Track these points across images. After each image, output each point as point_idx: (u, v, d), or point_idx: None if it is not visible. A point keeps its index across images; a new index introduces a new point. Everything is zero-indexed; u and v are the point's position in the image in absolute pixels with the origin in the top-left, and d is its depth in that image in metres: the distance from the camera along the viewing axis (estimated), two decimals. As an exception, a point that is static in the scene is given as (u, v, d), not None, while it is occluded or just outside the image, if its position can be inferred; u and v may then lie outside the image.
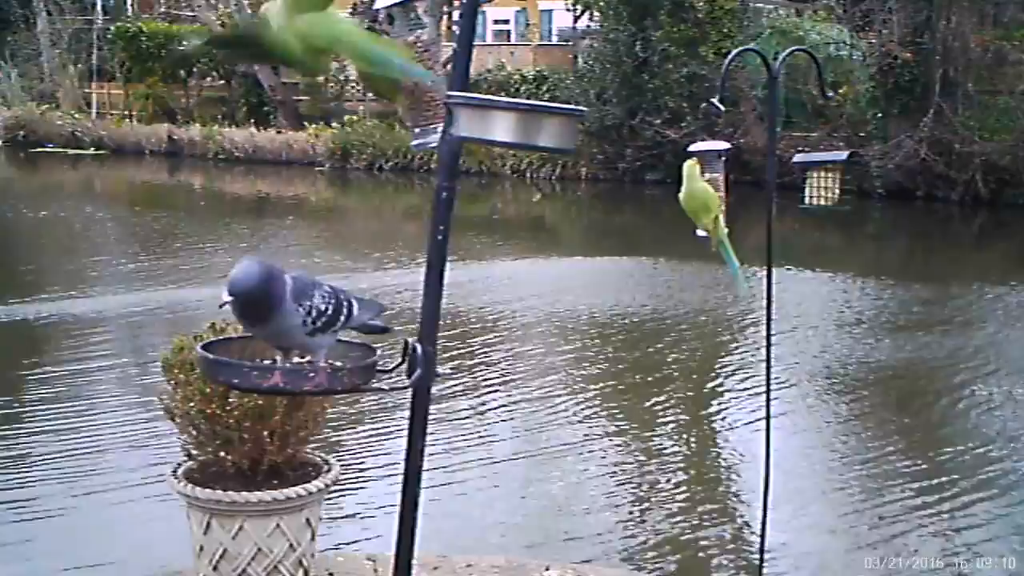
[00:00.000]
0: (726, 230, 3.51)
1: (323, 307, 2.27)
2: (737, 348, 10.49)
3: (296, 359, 2.33)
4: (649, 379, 9.39)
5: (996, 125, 21.21)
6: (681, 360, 10.15)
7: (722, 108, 3.82)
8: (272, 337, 2.30)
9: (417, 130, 2.34)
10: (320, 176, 26.72)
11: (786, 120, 21.41)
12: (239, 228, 18.51)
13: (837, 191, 3.99)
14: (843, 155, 4.05)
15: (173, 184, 27.48)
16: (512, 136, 2.07)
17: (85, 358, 9.63)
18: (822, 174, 4.02)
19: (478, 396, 8.77)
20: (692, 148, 3.65)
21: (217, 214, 20.58)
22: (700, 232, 3.56)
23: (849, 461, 7.50)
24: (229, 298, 2.18)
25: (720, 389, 9.15)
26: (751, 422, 8.10)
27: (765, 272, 4.00)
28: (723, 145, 3.68)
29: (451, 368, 9.17)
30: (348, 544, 5.64)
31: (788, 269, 13.59)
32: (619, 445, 7.71)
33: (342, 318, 2.30)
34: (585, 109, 2.37)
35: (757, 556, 4.27)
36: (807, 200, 4.05)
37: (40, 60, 35.54)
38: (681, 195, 3.48)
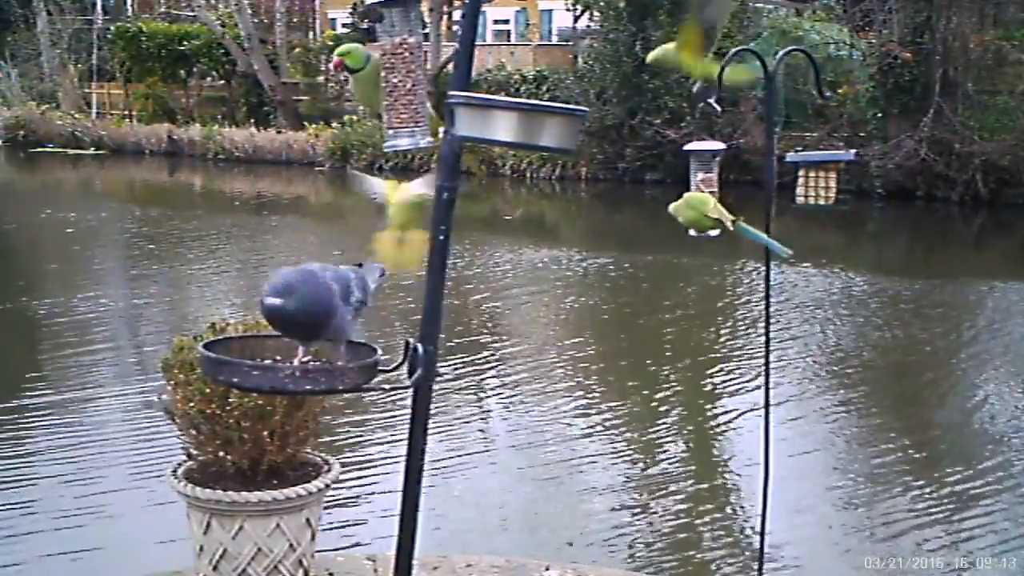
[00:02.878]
0: (731, 217, 3.49)
1: (361, 296, 2.28)
2: (736, 343, 10.49)
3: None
4: (648, 376, 9.39)
5: (996, 125, 21.21)
6: (680, 356, 10.16)
7: (719, 109, 3.83)
8: (321, 341, 2.29)
9: (391, 131, 2.34)
10: (320, 176, 26.72)
11: (786, 120, 21.39)
12: (241, 227, 18.50)
13: (834, 190, 3.98)
14: (849, 155, 4.03)
15: (173, 184, 27.49)
16: (513, 136, 2.07)
17: (86, 357, 9.64)
18: (819, 173, 4.00)
19: (479, 394, 8.77)
20: (687, 147, 3.66)
21: (219, 214, 20.57)
22: (692, 232, 3.55)
23: (849, 456, 7.51)
24: (276, 302, 2.12)
25: (719, 384, 9.15)
26: (751, 417, 8.10)
27: (764, 270, 4.00)
28: (718, 145, 3.68)
29: (452, 366, 9.17)
30: (348, 544, 5.64)
31: (789, 265, 13.60)
32: (619, 443, 7.71)
33: (367, 298, 2.30)
34: (586, 109, 2.36)
35: (757, 554, 4.27)
36: (801, 199, 4.05)
37: (40, 60, 35.56)
38: (674, 208, 3.49)
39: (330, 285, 2.22)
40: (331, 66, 2.55)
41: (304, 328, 2.21)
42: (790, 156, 4.08)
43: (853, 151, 4.10)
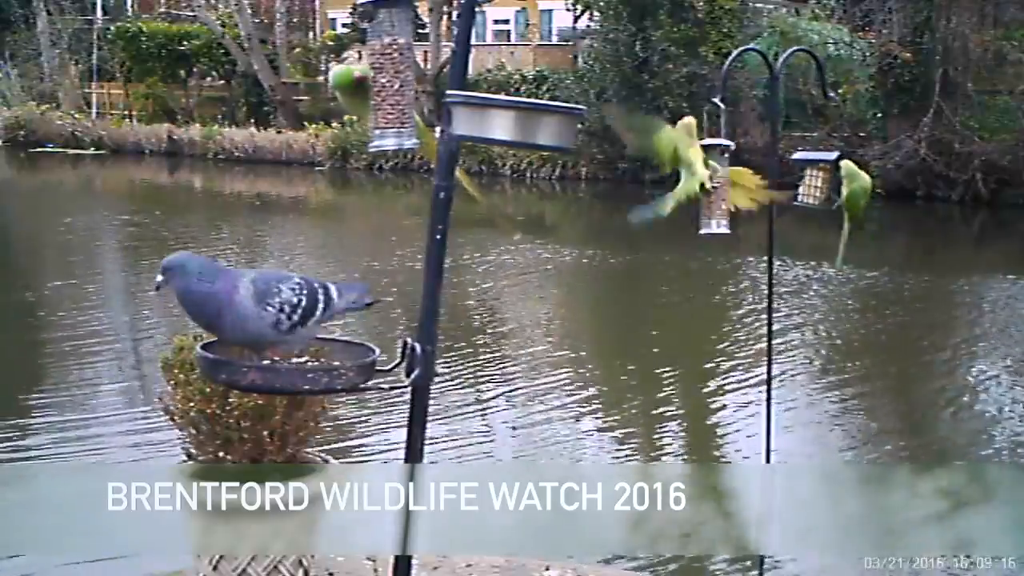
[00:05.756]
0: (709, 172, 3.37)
1: (295, 300, 2.26)
2: (737, 342, 10.49)
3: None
4: (648, 374, 9.39)
5: (996, 125, 21.21)
6: (681, 354, 10.15)
7: (722, 106, 3.82)
8: (241, 341, 2.30)
9: (376, 132, 2.34)
10: (320, 176, 26.72)
11: (786, 120, 21.37)
12: (241, 227, 18.50)
13: (823, 190, 4.00)
14: (831, 156, 4.06)
15: (173, 184, 27.48)
16: (511, 135, 2.07)
17: (86, 355, 9.64)
18: (816, 173, 4.03)
19: (477, 393, 8.77)
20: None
21: (219, 214, 20.57)
22: (704, 231, 3.53)
23: (849, 454, 7.51)
24: (160, 278, 2.19)
25: (720, 382, 9.15)
26: (751, 415, 8.09)
27: (766, 268, 4.01)
28: (726, 142, 3.67)
29: (451, 366, 9.17)
30: (348, 544, 5.63)
31: (790, 264, 13.61)
32: (619, 441, 7.72)
33: (320, 306, 2.28)
34: (584, 108, 2.36)
35: (757, 554, 4.27)
36: (801, 197, 4.07)
37: (40, 60, 35.53)
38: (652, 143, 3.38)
39: (236, 282, 2.20)
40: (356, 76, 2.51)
41: (196, 317, 2.23)
42: (796, 155, 4.11)
43: (840, 152, 4.11)
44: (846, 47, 22.86)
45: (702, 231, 3.45)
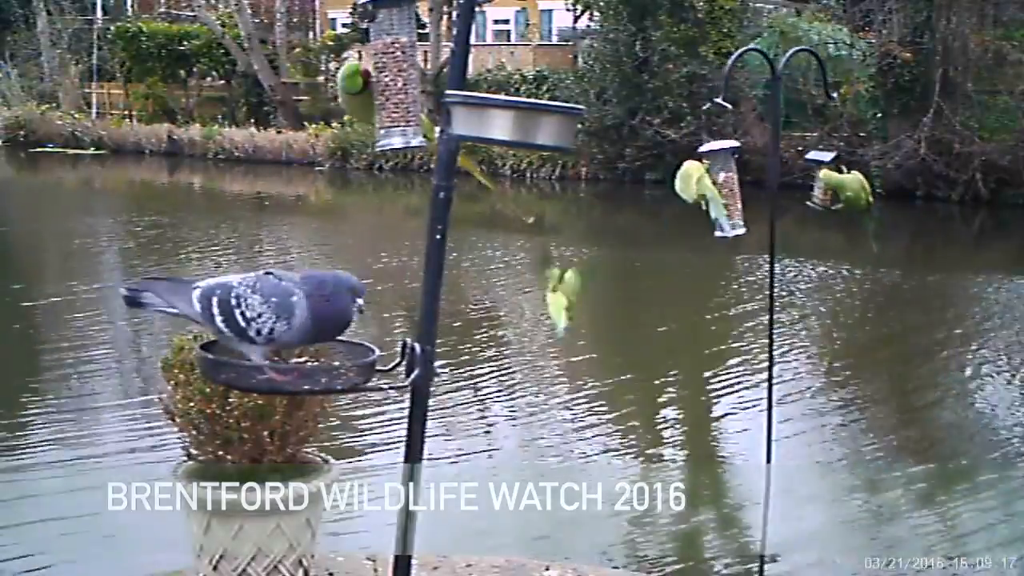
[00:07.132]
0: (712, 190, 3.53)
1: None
2: (737, 341, 10.49)
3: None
4: (648, 374, 9.39)
5: (996, 125, 21.20)
6: (681, 353, 10.15)
7: (728, 106, 3.85)
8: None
9: (382, 131, 2.34)
10: (320, 176, 26.72)
11: (786, 120, 21.36)
12: (240, 227, 18.50)
13: (828, 192, 4.03)
14: (826, 157, 4.07)
15: (173, 184, 27.48)
16: (510, 135, 2.07)
17: (86, 357, 9.64)
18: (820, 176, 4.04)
19: (477, 393, 8.77)
20: (702, 149, 3.67)
21: (219, 214, 20.57)
22: (718, 233, 3.57)
23: (850, 454, 7.51)
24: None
25: (720, 382, 9.15)
26: (752, 415, 8.09)
27: (768, 268, 4.01)
28: (733, 143, 3.70)
29: (450, 366, 9.17)
30: (348, 544, 5.64)
31: (789, 263, 13.61)
32: (619, 441, 7.71)
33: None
34: (583, 107, 2.36)
35: (758, 554, 4.27)
36: (813, 200, 4.09)
37: (40, 60, 35.54)
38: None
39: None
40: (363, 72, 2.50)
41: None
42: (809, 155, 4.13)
43: (835, 154, 4.12)
44: (846, 47, 22.86)
45: (718, 234, 3.55)
